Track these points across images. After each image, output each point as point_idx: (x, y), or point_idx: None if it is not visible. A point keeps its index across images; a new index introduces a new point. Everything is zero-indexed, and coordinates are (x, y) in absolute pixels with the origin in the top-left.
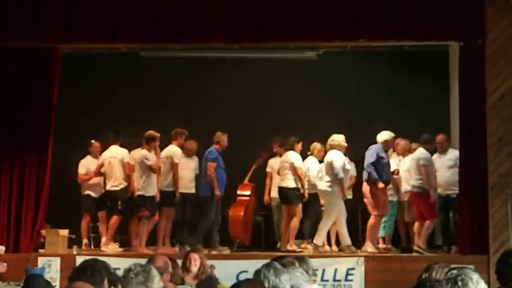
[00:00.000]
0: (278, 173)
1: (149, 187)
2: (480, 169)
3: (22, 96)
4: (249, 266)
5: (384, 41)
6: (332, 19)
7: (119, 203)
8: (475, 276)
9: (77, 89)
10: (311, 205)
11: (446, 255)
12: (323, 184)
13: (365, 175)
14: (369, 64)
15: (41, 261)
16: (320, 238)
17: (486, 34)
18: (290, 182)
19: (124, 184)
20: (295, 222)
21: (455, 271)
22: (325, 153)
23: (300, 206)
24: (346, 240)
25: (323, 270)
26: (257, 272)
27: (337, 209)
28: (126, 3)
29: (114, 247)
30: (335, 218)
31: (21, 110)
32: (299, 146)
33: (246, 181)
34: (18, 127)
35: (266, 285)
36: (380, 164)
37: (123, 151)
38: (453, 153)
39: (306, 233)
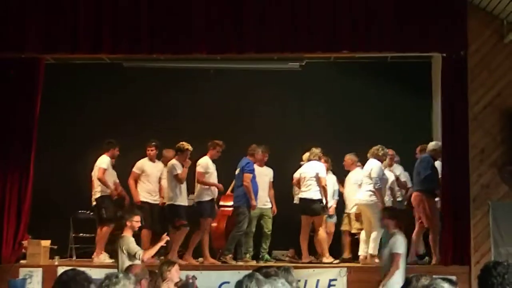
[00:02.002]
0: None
1: (177, 197)
2: (462, 180)
3: (4, 106)
4: (231, 277)
5: (366, 52)
6: (314, 30)
7: (103, 211)
8: (446, 285)
9: (60, 99)
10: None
11: (427, 266)
12: (363, 194)
13: (417, 187)
14: (352, 75)
15: (23, 272)
16: (376, 248)
17: (468, 46)
18: (314, 193)
19: (101, 192)
20: (323, 234)
21: (426, 282)
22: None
23: (324, 217)
24: (375, 249)
25: (306, 281)
26: (239, 283)
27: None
28: (109, 14)
29: (105, 258)
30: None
31: (2, 121)
32: (324, 159)
33: (228, 192)
34: (0, 137)
35: None
36: (434, 175)
37: (101, 159)
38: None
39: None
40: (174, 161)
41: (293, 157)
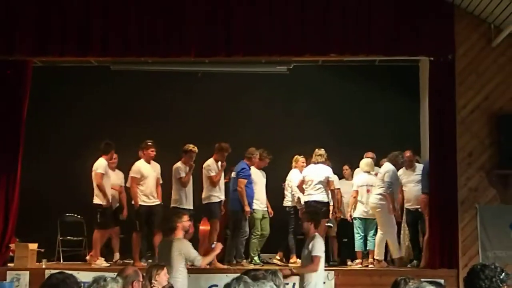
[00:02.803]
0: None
1: (182, 200)
2: (450, 184)
3: None
4: (219, 280)
5: (354, 55)
6: (303, 33)
7: (98, 216)
8: None
9: (47, 102)
10: (296, 219)
11: (415, 270)
12: (373, 198)
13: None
14: (340, 79)
15: (10, 275)
16: (381, 253)
17: (456, 49)
18: (322, 196)
19: (99, 197)
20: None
21: (413, 285)
22: (307, 165)
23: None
24: (397, 252)
25: (293, 285)
26: (227, 286)
27: (388, 221)
28: (98, 17)
29: (101, 262)
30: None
31: None
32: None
33: None
34: None
35: None
36: None
37: (98, 162)
38: (420, 168)
39: (292, 247)
40: (178, 164)
41: (281, 160)
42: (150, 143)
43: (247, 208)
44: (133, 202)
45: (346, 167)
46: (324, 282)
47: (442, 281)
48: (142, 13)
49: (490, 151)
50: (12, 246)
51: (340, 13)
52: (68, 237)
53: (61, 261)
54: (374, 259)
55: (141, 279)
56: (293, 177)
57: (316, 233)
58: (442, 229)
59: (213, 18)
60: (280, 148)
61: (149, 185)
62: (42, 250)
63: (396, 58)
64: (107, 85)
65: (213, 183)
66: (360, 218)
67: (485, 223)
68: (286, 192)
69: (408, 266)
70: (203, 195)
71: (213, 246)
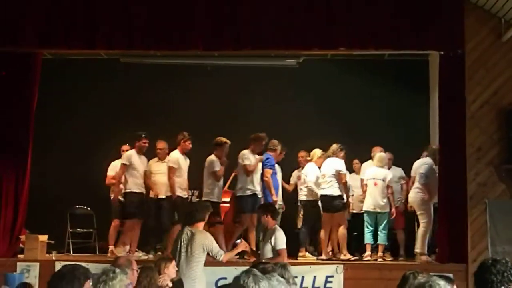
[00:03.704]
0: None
1: (214, 194)
2: (459, 179)
3: (1, 101)
4: (228, 273)
5: (363, 49)
6: (311, 27)
7: (127, 206)
8: (442, 282)
9: (57, 94)
10: (309, 212)
11: (424, 264)
12: (412, 191)
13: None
14: (349, 73)
15: (20, 266)
16: (424, 246)
17: (465, 44)
18: (335, 190)
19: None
20: (343, 230)
21: (422, 279)
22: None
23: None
24: (422, 247)
25: (302, 278)
26: (236, 279)
27: (427, 214)
28: (106, 10)
29: (139, 255)
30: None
31: None
32: (342, 154)
33: (225, 188)
34: None
35: None
36: None
37: (125, 153)
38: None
39: (303, 240)
40: (212, 157)
41: (289, 154)
42: (188, 135)
43: (275, 198)
44: (159, 195)
45: (356, 161)
46: (333, 276)
47: (451, 275)
48: (150, 5)
49: (499, 146)
50: (22, 237)
51: (349, 7)
52: (78, 229)
53: (71, 252)
54: (383, 253)
55: (134, 268)
56: (308, 171)
57: (276, 226)
58: (451, 224)
59: (222, 11)
60: (288, 142)
61: (184, 177)
62: (52, 241)
63: (406, 52)
64: (117, 78)
65: (247, 173)
66: (368, 212)
67: (494, 218)
68: (301, 186)
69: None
70: (237, 187)
71: (238, 242)
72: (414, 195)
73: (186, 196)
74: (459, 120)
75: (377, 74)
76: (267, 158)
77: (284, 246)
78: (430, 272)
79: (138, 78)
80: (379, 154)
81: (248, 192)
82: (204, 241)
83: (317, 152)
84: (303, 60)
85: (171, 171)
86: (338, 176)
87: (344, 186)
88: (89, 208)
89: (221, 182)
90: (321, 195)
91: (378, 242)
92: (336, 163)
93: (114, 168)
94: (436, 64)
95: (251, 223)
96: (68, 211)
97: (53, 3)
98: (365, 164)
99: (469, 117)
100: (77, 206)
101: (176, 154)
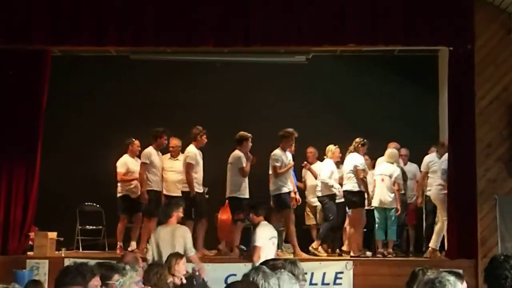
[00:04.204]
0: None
1: (241, 190)
2: (469, 175)
3: (10, 98)
4: (237, 270)
5: (373, 45)
6: (321, 23)
7: (149, 205)
8: (452, 278)
9: (66, 92)
10: (327, 207)
11: (433, 260)
12: (434, 188)
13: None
14: (358, 69)
15: (30, 263)
16: (438, 242)
17: (475, 40)
18: (354, 185)
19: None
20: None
21: (432, 275)
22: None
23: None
24: (437, 243)
25: (312, 274)
26: (246, 276)
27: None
28: (116, 7)
29: None
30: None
31: (9, 112)
32: (364, 149)
33: None
34: (7, 130)
35: None
36: None
37: (144, 152)
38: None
39: (322, 235)
40: (238, 153)
41: (298, 150)
42: (203, 130)
43: (296, 196)
44: (170, 192)
45: (366, 157)
46: (343, 272)
47: (460, 271)
48: (160, 2)
49: (509, 142)
50: (32, 235)
51: (358, 3)
52: (87, 226)
53: (80, 249)
54: (393, 248)
55: (141, 265)
56: (323, 167)
57: (261, 222)
58: (461, 220)
59: (232, 8)
60: (297, 139)
61: (201, 172)
62: (61, 239)
63: (415, 48)
64: (126, 75)
65: (277, 174)
66: (376, 208)
67: (504, 214)
68: (317, 182)
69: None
70: (271, 187)
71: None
72: (437, 191)
73: (203, 191)
74: (468, 116)
75: (386, 70)
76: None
77: (258, 244)
78: (439, 268)
79: (147, 75)
80: (390, 150)
81: (285, 190)
82: (185, 234)
83: (331, 148)
84: (312, 56)
85: (190, 167)
86: (356, 171)
87: (362, 182)
88: (98, 205)
89: (247, 178)
90: (343, 191)
91: (388, 238)
92: (355, 159)
93: (123, 164)
94: (445, 60)
95: (289, 219)
96: (77, 208)
97: (63, 0)
98: (378, 160)
99: (478, 113)
100: (86, 203)
101: (193, 150)
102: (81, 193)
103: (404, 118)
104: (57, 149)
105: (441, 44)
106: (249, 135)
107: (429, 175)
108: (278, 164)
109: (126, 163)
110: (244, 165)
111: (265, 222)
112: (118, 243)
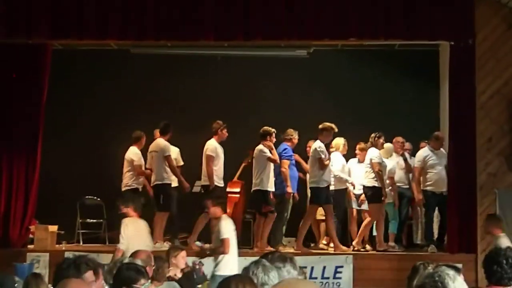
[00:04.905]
0: None
1: (266, 183)
2: (469, 169)
3: (11, 92)
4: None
5: (374, 40)
6: (322, 17)
7: (161, 198)
8: (451, 272)
9: (67, 85)
10: (337, 201)
11: (434, 254)
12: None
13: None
14: (359, 63)
15: (30, 256)
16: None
17: (476, 34)
18: (369, 180)
19: (165, 180)
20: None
21: (432, 270)
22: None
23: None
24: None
25: (312, 268)
26: (246, 269)
27: None
28: (116, 1)
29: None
30: None
31: (10, 106)
32: (381, 141)
33: (235, 178)
34: (7, 123)
35: (255, 281)
36: None
37: (165, 144)
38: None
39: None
40: (261, 146)
41: (299, 144)
42: (223, 124)
43: (290, 190)
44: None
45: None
46: (343, 266)
47: (460, 265)
48: None
49: (510, 136)
50: (32, 228)
51: None
52: (88, 220)
53: (81, 243)
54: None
55: (152, 264)
56: (334, 160)
57: (223, 215)
58: (461, 214)
59: (232, 2)
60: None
61: (221, 166)
62: (62, 232)
63: (416, 43)
64: (127, 69)
65: (323, 166)
66: None
67: (504, 208)
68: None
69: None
70: (310, 179)
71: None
72: None
73: (223, 185)
74: (469, 110)
75: (387, 64)
76: (285, 149)
77: (227, 236)
78: (439, 263)
79: (148, 69)
80: (385, 144)
81: (324, 184)
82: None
83: (341, 141)
84: (313, 50)
85: (210, 159)
86: (372, 165)
87: (378, 176)
88: (98, 199)
89: (272, 171)
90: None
91: (388, 232)
92: (371, 152)
93: (140, 157)
94: (446, 54)
95: (329, 213)
96: (78, 202)
97: None
98: None
99: (479, 108)
100: (87, 197)
101: (214, 143)
102: (81, 186)
103: (405, 112)
104: (57, 143)
105: (442, 39)
106: (273, 130)
107: (427, 170)
108: (323, 156)
109: (141, 156)
110: (269, 154)
111: (226, 216)
112: None
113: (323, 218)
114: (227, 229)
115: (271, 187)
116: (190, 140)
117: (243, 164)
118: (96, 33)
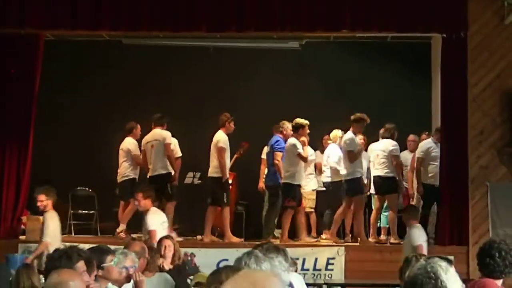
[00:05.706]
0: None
1: (296, 176)
2: (461, 162)
3: (3, 82)
4: (229, 255)
5: (366, 31)
6: (314, 9)
7: (168, 188)
8: (444, 263)
9: (59, 76)
10: (332, 193)
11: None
12: None
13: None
14: (351, 55)
15: (22, 247)
16: None
17: (468, 26)
18: (386, 171)
19: (169, 169)
20: (392, 214)
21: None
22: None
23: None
24: None
25: (304, 260)
26: (238, 260)
27: None
28: None
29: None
30: None
31: (1, 96)
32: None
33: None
34: None
35: None
36: None
37: (166, 134)
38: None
39: (327, 222)
40: (293, 140)
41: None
42: (232, 117)
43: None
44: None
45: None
46: (335, 258)
47: (452, 257)
48: None
49: (502, 129)
50: (24, 219)
51: None
52: (80, 211)
53: (73, 234)
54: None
55: (147, 256)
56: (330, 152)
57: (152, 208)
58: (453, 207)
59: None
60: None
61: (229, 159)
62: None
63: (409, 35)
64: (119, 59)
65: (351, 159)
66: (373, 194)
67: (495, 200)
68: (324, 168)
69: None
70: (346, 171)
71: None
72: None
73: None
74: (461, 103)
75: (379, 56)
76: (277, 141)
77: (153, 228)
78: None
79: (140, 60)
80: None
81: (358, 175)
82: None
83: (338, 133)
84: (305, 42)
85: (222, 151)
86: (391, 157)
87: (397, 168)
88: (90, 190)
89: (302, 164)
90: (373, 176)
91: (381, 225)
92: (389, 144)
93: (137, 147)
94: (438, 47)
95: (360, 204)
96: (70, 193)
97: None
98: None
99: (471, 100)
100: (78, 188)
101: (223, 135)
102: (73, 177)
103: (397, 104)
104: (49, 134)
105: (435, 31)
106: (306, 122)
107: (429, 162)
108: (351, 149)
109: (137, 146)
110: (301, 150)
111: (155, 209)
112: (122, 226)
113: (311, 210)
114: (155, 221)
115: (301, 181)
116: (182, 131)
117: (235, 156)
118: (89, 24)
